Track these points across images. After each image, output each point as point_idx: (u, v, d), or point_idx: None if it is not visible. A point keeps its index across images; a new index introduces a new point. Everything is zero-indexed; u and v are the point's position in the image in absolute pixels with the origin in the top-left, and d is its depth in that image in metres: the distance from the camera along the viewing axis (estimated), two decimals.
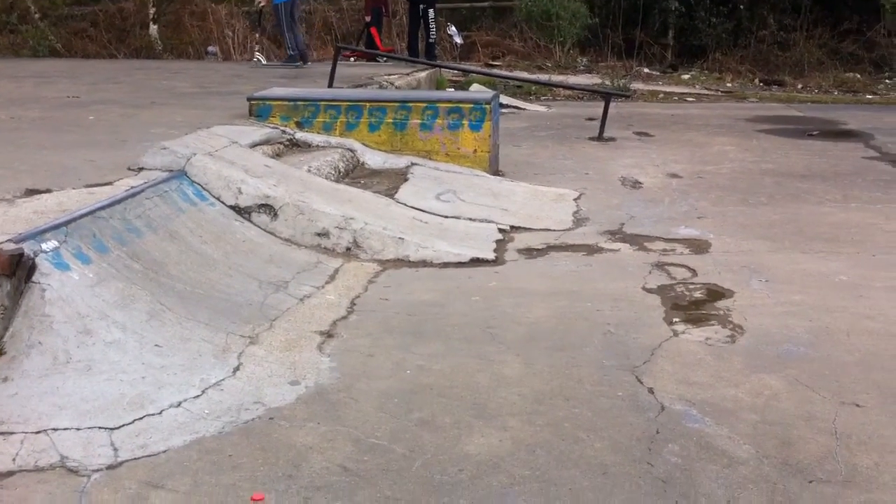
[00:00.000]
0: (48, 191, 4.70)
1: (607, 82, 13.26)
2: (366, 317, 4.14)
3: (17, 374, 3.27)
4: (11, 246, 3.64)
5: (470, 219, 5.88)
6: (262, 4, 13.47)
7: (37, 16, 16.61)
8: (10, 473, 2.74)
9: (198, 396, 3.23)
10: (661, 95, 13.64)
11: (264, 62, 13.49)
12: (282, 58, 13.96)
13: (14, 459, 2.81)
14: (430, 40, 14.94)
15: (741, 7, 16.99)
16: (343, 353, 3.70)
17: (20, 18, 16.66)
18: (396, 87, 11.14)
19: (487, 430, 3.02)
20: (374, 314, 4.18)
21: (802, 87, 15.10)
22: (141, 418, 3.06)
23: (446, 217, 5.87)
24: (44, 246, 3.77)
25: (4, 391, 3.17)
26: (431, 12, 14.82)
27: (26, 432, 2.94)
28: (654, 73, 16.26)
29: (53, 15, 17.00)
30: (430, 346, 3.77)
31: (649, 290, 4.47)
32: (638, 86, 13.99)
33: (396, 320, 4.09)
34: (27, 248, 3.68)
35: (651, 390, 3.31)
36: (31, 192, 4.65)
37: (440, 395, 3.30)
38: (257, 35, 14.15)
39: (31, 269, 3.65)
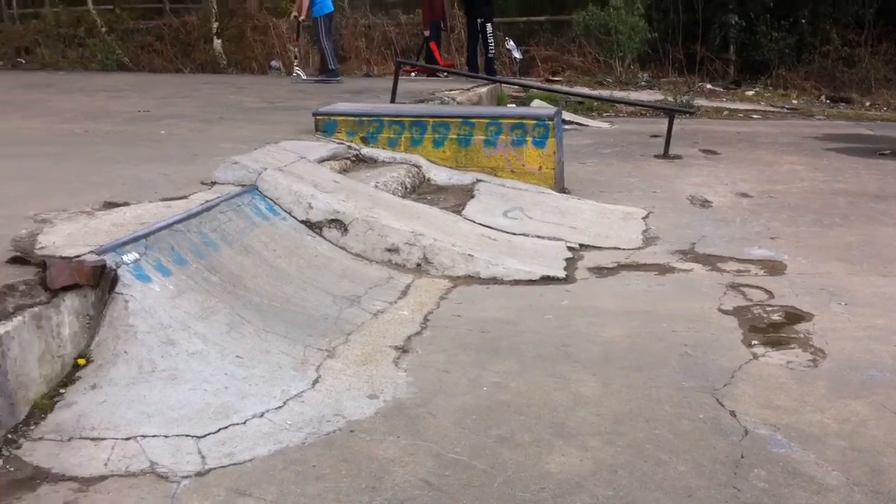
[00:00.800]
0: (126, 204, 4.79)
1: (670, 98, 13.17)
2: (439, 333, 4.16)
3: (105, 382, 3.34)
4: (94, 257, 3.73)
5: (538, 236, 5.87)
6: (301, 18, 13.53)
7: (103, 29, 17.00)
8: (103, 478, 2.80)
9: (280, 407, 3.27)
10: (726, 112, 13.52)
11: (304, 77, 13.57)
12: (320, 69, 13.90)
13: (106, 464, 2.87)
14: (490, 55, 14.99)
15: (802, 21, 16.77)
16: (419, 368, 3.71)
17: (87, 32, 17.06)
18: (458, 103, 11.18)
19: (568, 450, 3.01)
20: (447, 330, 4.19)
21: (871, 105, 14.85)
22: (226, 427, 3.10)
23: (514, 234, 5.87)
24: (125, 258, 3.86)
25: (94, 398, 3.24)
26: (490, 27, 14.87)
27: (116, 438, 3.00)
28: (717, 89, 16.11)
29: (120, 29, 17.39)
30: (505, 363, 3.77)
31: (725, 312, 4.42)
32: (701, 102, 13.88)
33: (470, 337, 4.10)
34: (109, 259, 3.77)
35: (733, 413, 3.27)
36: (110, 205, 4.75)
37: (518, 412, 3.29)
38: (295, 49, 14.26)
39: (114, 280, 3.73)
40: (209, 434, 3.05)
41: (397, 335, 4.11)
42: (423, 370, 3.69)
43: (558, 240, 5.82)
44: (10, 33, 17.88)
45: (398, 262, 5.19)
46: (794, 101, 15.12)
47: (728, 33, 16.99)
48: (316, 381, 3.51)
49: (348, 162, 7.06)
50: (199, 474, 2.83)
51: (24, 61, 17.02)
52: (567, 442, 3.06)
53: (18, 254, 3.68)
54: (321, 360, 3.73)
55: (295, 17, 13.56)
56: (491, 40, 14.89)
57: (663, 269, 5.24)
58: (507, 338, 4.08)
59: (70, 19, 17.32)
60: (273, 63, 16.26)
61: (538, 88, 13.43)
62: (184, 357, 3.52)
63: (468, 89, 12.50)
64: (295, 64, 13.85)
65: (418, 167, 7.21)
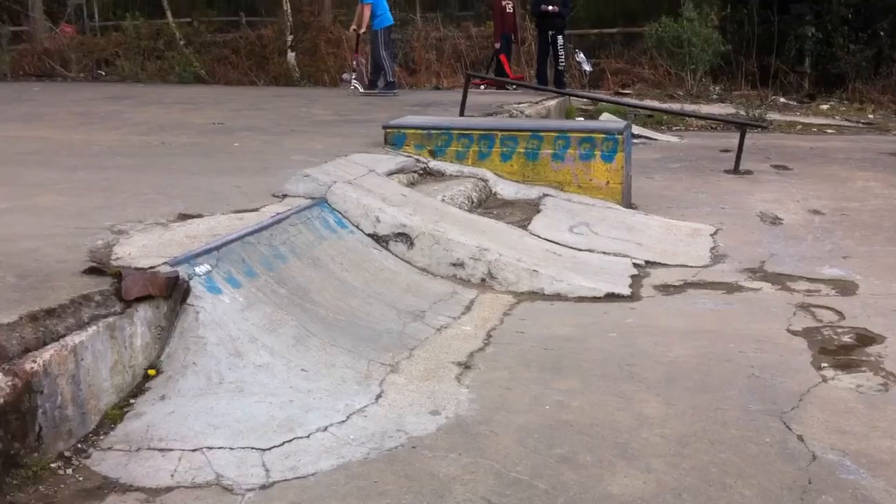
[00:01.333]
0: (199, 215, 4.90)
1: (742, 112, 12.95)
2: (502, 349, 4.16)
3: (173, 393, 3.42)
4: (167, 269, 3.83)
5: (604, 252, 5.84)
6: (361, 31, 13.63)
7: (182, 42, 17.39)
8: (169, 489, 2.87)
9: (343, 422, 3.31)
10: (799, 127, 13.26)
11: (361, 90, 13.67)
12: (370, 81, 13.96)
13: (172, 475, 2.94)
14: (560, 68, 14.95)
15: (881, 34, 16.35)
16: (481, 385, 3.72)
17: (166, 45, 17.48)
18: (527, 116, 11.18)
19: (631, 471, 2.98)
20: (510, 347, 4.19)
21: None
22: (290, 441, 3.15)
23: (580, 250, 5.85)
24: (197, 269, 3.95)
25: (163, 409, 3.32)
26: (560, 39, 14.84)
27: (183, 450, 3.07)
28: (790, 102, 15.82)
29: (197, 42, 17.78)
30: (567, 381, 3.76)
31: (794, 333, 4.34)
32: (774, 116, 13.63)
33: (533, 354, 4.10)
34: (182, 271, 3.86)
35: (801, 438, 3.21)
36: (184, 217, 4.87)
37: (580, 432, 3.28)
38: (353, 63, 14.37)
39: (186, 292, 3.82)
40: (273, 447, 3.10)
41: (460, 351, 4.12)
42: (486, 387, 3.70)
43: (624, 256, 5.78)
44: (91, 45, 18.41)
45: (463, 276, 5.21)
46: (871, 116, 14.75)
47: (804, 46, 16.66)
48: (379, 396, 3.55)
49: (416, 175, 7.11)
50: (263, 487, 2.88)
51: (103, 73, 17.51)
52: (630, 463, 3.04)
53: (95, 264, 3.79)
54: (384, 374, 3.77)
55: (354, 30, 13.70)
56: (561, 53, 14.86)
57: (731, 288, 5.17)
58: (570, 356, 4.06)
59: (150, 32, 17.76)
60: (344, 75, 16.41)
61: (607, 101, 13.35)
62: (251, 369, 3.59)
63: (537, 102, 12.49)
64: (353, 77, 13.99)
65: (485, 181, 7.22)
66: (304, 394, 3.49)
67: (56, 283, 3.55)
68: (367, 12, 13.16)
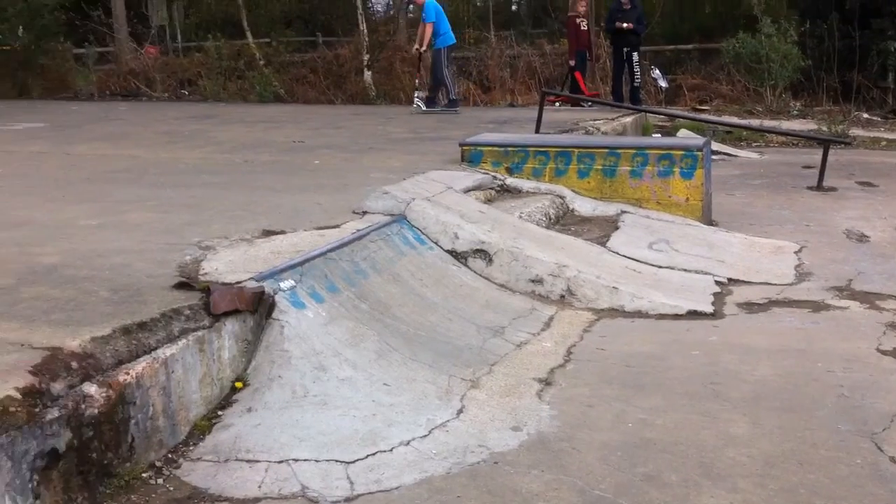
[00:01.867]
0: (283, 232, 5.00)
1: (824, 128, 12.68)
2: (583, 366, 4.14)
3: (259, 406, 3.49)
4: (253, 284, 3.92)
5: (685, 270, 5.77)
6: (422, 50, 13.74)
7: (262, 62, 17.76)
8: (257, 500, 2.92)
9: (425, 436, 3.33)
10: (884, 143, 12.91)
11: (424, 108, 13.76)
12: (428, 98, 14.02)
13: (260, 486, 2.99)
14: (636, 84, 14.85)
15: None
16: (562, 401, 3.71)
17: (247, 65, 17.87)
18: (603, 133, 11.13)
19: (717, 491, 2.94)
20: (591, 364, 4.17)
21: None
22: (373, 454, 3.18)
23: (660, 267, 5.79)
24: (282, 285, 4.03)
25: (250, 421, 3.39)
26: (636, 56, 14.74)
27: (270, 461, 3.13)
28: (874, 118, 15.42)
29: (277, 62, 18.14)
30: (650, 399, 3.72)
31: (884, 352, 4.23)
32: (857, 132, 13.30)
33: (614, 371, 4.07)
34: (267, 286, 3.94)
35: (893, 459, 3.12)
36: (268, 233, 4.97)
37: (664, 450, 3.24)
38: (416, 81, 14.47)
39: (271, 306, 3.90)
40: (357, 460, 3.14)
41: (540, 367, 4.12)
42: (567, 404, 3.68)
43: (706, 273, 5.70)
44: (175, 66, 18.93)
45: (542, 293, 5.20)
46: None
47: (887, 60, 16.25)
48: (460, 412, 3.56)
49: (493, 192, 7.14)
50: (347, 500, 2.91)
51: (186, 93, 17.98)
52: (716, 483, 3.00)
53: (184, 279, 3.90)
54: (465, 390, 3.78)
55: (417, 49, 13.83)
56: (637, 69, 14.76)
57: (817, 307, 5.06)
58: (652, 373, 4.02)
59: (231, 52, 18.19)
60: (420, 94, 16.59)
61: (684, 118, 13.19)
62: (334, 383, 3.63)
63: (613, 119, 12.42)
64: (416, 95, 14.12)
65: (562, 198, 7.21)
66: (386, 408, 3.52)
67: (147, 297, 3.65)
68: (428, 31, 13.33)
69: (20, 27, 17.84)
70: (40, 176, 7.28)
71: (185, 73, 18.34)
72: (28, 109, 14.75)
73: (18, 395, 2.70)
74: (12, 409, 2.66)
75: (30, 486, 2.66)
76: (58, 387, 2.87)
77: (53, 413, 2.77)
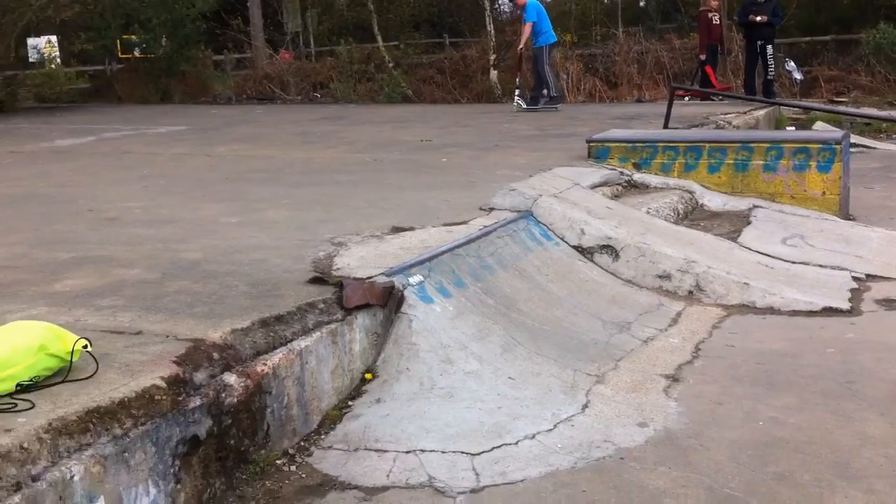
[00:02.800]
0: (411, 228, 5.10)
1: None
2: (712, 363, 4.08)
3: (388, 397, 3.59)
4: (384, 279, 4.02)
5: (819, 265, 5.58)
6: (521, 48, 13.72)
7: (391, 65, 18.08)
8: (385, 489, 3.01)
9: (550, 430, 3.35)
10: None
11: (524, 106, 13.70)
12: (532, 97, 13.91)
13: (388, 476, 3.08)
14: (769, 77, 14.40)
15: None
16: (690, 398, 3.66)
17: (377, 67, 18.24)
18: (734, 127, 10.86)
19: (851, 492, 2.86)
20: (720, 360, 4.10)
21: None
22: (499, 447, 3.22)
23: (793, 263, 5.62)
24: (411, 280, 4.12)
25: (378, 411, 3.49)
26: (770, 48, 14.29)
27: (398, 451, 3.21)
28: None
29: (405, 63, 18.44)
30: (782, 397, 3.63)
31: None
32: None
33: (744, 368, 3.99)
34: (397, 281, 4.04)
35: None
36: (397, 230, 5.08)
37: (796, 450, 3.17)
38: (517, 80, 14.47)
39: (400, 301, 4.00)
40: (483, 452, 3.19)
41: (668, 363, 4.07)
42: (695, 400, 3.63)
43: (842, 269, 5.50)
44: (308, 70, 19.47)
45: (669, 288, 5.14)
46: None
47: None
48: (585, 406, 3.57)
49: (620, 188, 7.08)
50: (473, 491, 2.96)
51: (319, 95, 18.47)
52: (851, 484, 2.91)
53: (318, 274, 4.04)
54: (590, 385, 3.78)
55: (518, 48, 13.85)
56: (771, 62, 14.31)
57: None
58: (784, 371, 3.92)
59: (361, 56, 18.60)
60: (543, 92, 16.56)
61: (820, 110, 12.73)
62: (460, 376, 3.70)
63: (745, 112, 12.10)
64: (516, 94, 14.13)
65: (691, 193, 7.09)
66: (511, 401, 3.56)
67: (284, 291, 3.81)
68: (527, 30, 13.38)
69: (164, 37, 18.71)
70: (183, 176, 7.64)
71: (317, 76, 18.85)
72: (170, 114, 15.47)
73: (164, 384, 2.87)
74: (158, 397, 2.83)
75: (171, 470, 2.82)
76: (200, 376, 3.02)
77: (195, 401, 2.93)
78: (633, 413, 3.52)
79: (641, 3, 32.35)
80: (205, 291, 3.83)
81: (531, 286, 4.76)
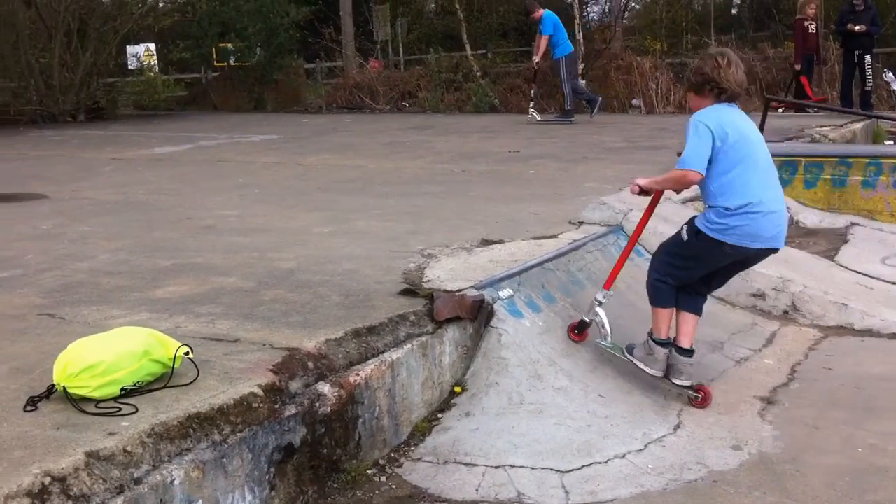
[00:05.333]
0: (500, 241, 5.11)
1: None
2: (808, 386, 3.98)
3: (477, 411, 3.60)
4: (474, 292, 4.04)
5: None
6: (537, 60, 13.65)
7: (478, 74, 18.13)
8: (474, 503, 3.02)
9: (641, 450, 3.32)
10: None
11: (539, 118, 13.61)
12: (562, 110, 13.80)
13: (477, 490, 3.09)
14: (867, 88, 13.98)
15: None
16: (786, 422, 3.58)
17: (465, 77, 18.31)
18: (830, 141, 10.57)
19: None
20: (816, 384, 4.00)
21: None
22: (588, 465, 3.21)
23: (894, 283, 5.45)
24: (500, 294, 4.13)
25: (468, 425, 3.50)
26: (868, 58, 13.87)
27: (487, 465, 3.22)
28: None
29: (493, 72, 18.46)
30: (883, 423, 3.53)
31: None
32: None
33: (842, 392, 3.89)
34: (487, 295, 4.05)
35: None
36: (486, 242, 5.09)
37: None
38: (532, 92, 14.40)
39: (490, 314, 4.01)
40: (573, 470, 3.18)
41: (762, 385, 4.00)
42: (791, 424, 3.56)
43: None
44: (396, 79, 19.66)
45: (763, 308, 5.04)
46: None
47: None
48: (677, 427, 3.52)
49: None
50: None
51: (407, 104, 18.62)
52: None
53: (409, 286, 4.08)
54: (682, 405, 3.73)
55: (534, 61, 13.81)
56: (868, 73, 13.89)
57: None
58: (884, 396, 3.81)
59: (449, 65, 18.70)
60: (634, 101, 16.40)
61: None
62: (549, 392, 3.69)
63: (841, 125, 11.76)
64: (531, 106, 14.09)
65: (787, 209, 6.92)
66: (601, 419, 3.54)
67: (375, 302, 3.86)
68: (543, 43, 13.39)
69: (258, 46, 19.13)
70: (276, 185, 7.80)
71: (405, 85, 19.00)
72: (263, 122, 15.80)
73: (261, 392, 2.94)
74: (255, 405, 2.90)
75: (267, 477, 2.88)
76: (295, 385, 3.09)
77: (291, 410, 2.99)
78: (727, 435, 3.46)
79: (734, 11, 31.80)
80: (299, 301, 3.91)
81: (621, 302, 4.72)
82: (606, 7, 23.31)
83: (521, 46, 23.17)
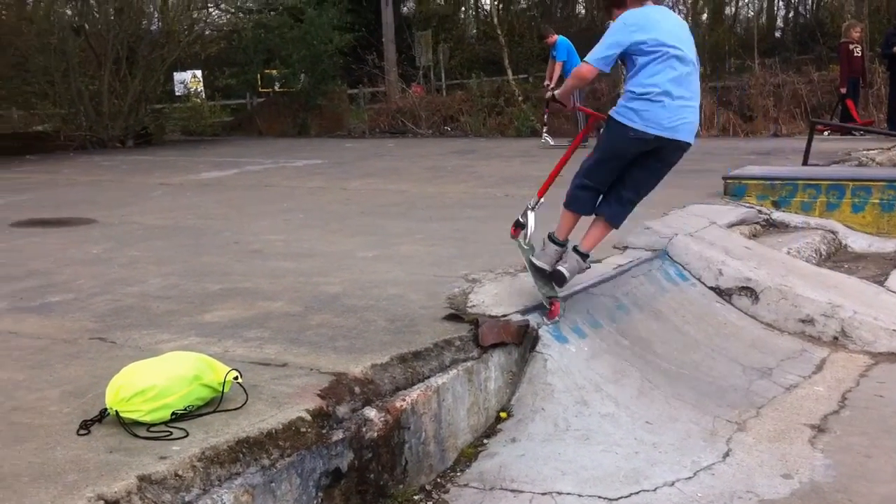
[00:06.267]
0: None
1: None
2: (859, 413, 3.92)
3: (523, 437, 3.59)
4: (519, 317, 4.04)
5: None
6: (550, 86, 13.67)
7: (520, 98, 18.18)
8: None
9: (690, 478, 3.28)
10: None
11: (552, 142, 13.59)
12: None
13: None
14: None
15: None
16: (837, 450, 3.53)
17: (506, 101, 18.38)
18: (878, 164, 10.44)
19: None
20: (868, 411, 3.93)
21: None
22: (637, 493, 3.18)
23: None
24: (546, 319, 4.12)
25: (513, 451, 3.50)
26: None
27: (534, 492, 3.20)
28: None
29: (534, 97, 18.50)
30: None
31: None
32: None
33: (895, 420, 3.81)
34: (532, 320, 4.06)
35: None
36: None
37: None
38: (545, 117, 14.44)
39: (535, 339, 4.01)
40: (621, 498, 3.15)
41: (812, 412, 3.94)
42: (842, 453, 3.50)
43: None
44: (438, 104, 19.78)
45: (812, 333, 4.97)
46: None
47: None
48: (726, 455, 3.48)
49: (758, 227, 6.91)
50: None
51: (449, 129, 18.72)
52: None
53: (454, 311, 4.09)
54: (731, 432, 3.69)
55: (547, 85, 13.79)
56: None
57: None
58: None
59: (491, 90, 18.80)
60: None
61: None
62: (596, 418, 3.67)
63: (888, 149, 11.61)
64: (544, 130, 14.10)
65: (834, 233, 6.86)
66: (648, 446, 3.51)
67: (420, 327, 3.87)
68: (557, 69, 13.46)
69: (302, 72, 19.38)
70: (320, 209, 7.87)
71: (447, 110, 19.11)
72: (307, 147, 15.96)
73: (308, 417, 2.96)
74: (303, 429, 2.92)
75: (314, 502, 2.89)
76: (342, 410, 3.11)
77: (338, 434, 3.00)
78: (777, 464, 3.42)
79: (777, 34, 31.61)
80: (345, 325, 3.94)
81: (667, 328, 4.69)
82: None
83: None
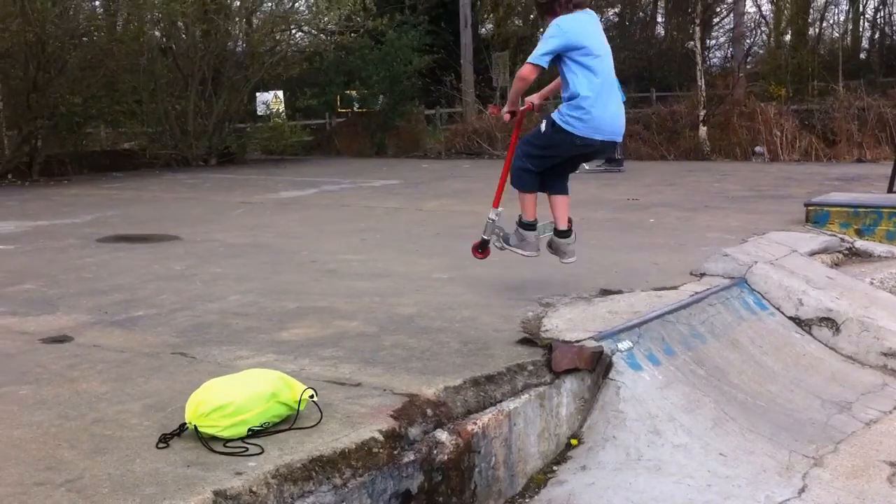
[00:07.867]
0: (619, 291, 5.08)
1: None
2: None
3: (593, 465, 3.57)
4: (592, 343, 4.03)
5: None
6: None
7: None
8: None
9: None
10: None
11: (587, 167, 13.31)
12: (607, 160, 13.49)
13: None
14: None
15: None
16: None
17: None
18: None
19: None
20: None
21: None
22: None
23: None
24: (619, 345, 4.10)
25: (583, 479, 3.48)
26: None
27: None
28: None
29: None
30: None
31: None
32: None
33: None
34: (605, 346, 4.04)
35: None
36: (605, 292, 5.07)
37: None
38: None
39: (608, 366, 3.98)
40: None
41: (892, 449, 3.83)
42: None
43: None
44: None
45: (895, 367, 4.84)
46: None
47: None
48: (802, 490, 3.41)
49: (840, 256, 6.75)
50: None
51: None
52: None
53: (527, 335, 4.10)
54: (807, 467, 3.61)
55: None
56: None
57: None
58: None
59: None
60: (757, 149, 16.08)
61: None
62: (668, 448, 3.63)
63: None
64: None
65: None
66: (722, 479, 3.46)
67: (494, 351, 3.89)
68: None
69: (381, 93, 19.64)
70: (396, 230, 7.96)
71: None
72: (384, 167, 16.14)
73: (381, 437, 3.00)
74: (375, 449, 2.96)
75: None
76: (414, 431, 3.14)
77: (409, 456, 3.03)
78: (854, 501, 3.33)
79: (862, 56, 30.88)
80: (419, 347, 3.98)
81: (744, 358, 4.62)
82: (729, 53, 23.00)
83: (641, 92, 23.06)
